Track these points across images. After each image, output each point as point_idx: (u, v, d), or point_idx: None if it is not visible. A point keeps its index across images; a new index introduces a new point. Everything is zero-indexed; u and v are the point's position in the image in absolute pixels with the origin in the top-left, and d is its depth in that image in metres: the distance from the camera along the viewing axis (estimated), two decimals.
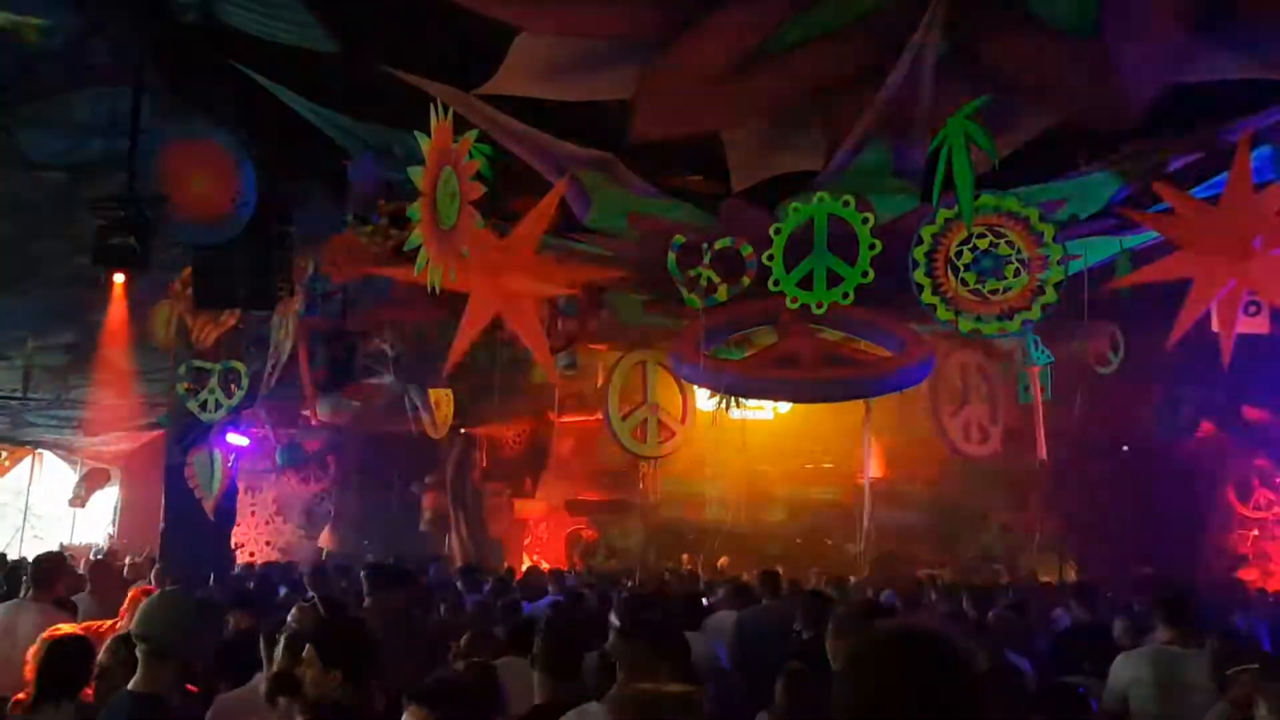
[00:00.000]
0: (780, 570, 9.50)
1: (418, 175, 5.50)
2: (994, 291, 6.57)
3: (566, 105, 6.25)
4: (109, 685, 3.74)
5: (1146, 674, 4.58)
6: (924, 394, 10.33)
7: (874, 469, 14.36)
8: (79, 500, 19.49)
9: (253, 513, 18.44)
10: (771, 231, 6.77)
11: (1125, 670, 4.67)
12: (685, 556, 16.60)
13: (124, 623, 5.10)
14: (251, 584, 9.41)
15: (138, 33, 6.11)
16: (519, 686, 4.03)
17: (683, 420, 10.03)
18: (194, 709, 3.75)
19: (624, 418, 9.51)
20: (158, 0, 5.94)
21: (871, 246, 6.56)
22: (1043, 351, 9.13)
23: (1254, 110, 6.05)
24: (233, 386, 9.89)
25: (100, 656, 4.04)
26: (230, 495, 11.39)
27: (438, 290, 5.62)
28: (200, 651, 3.59)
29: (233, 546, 13.46)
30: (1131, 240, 8.05)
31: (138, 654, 3.36)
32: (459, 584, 9.09)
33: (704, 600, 7.91)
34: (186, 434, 10.94)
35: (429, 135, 5.46)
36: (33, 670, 3.81)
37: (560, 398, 12.78)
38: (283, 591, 8.45)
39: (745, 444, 14.87)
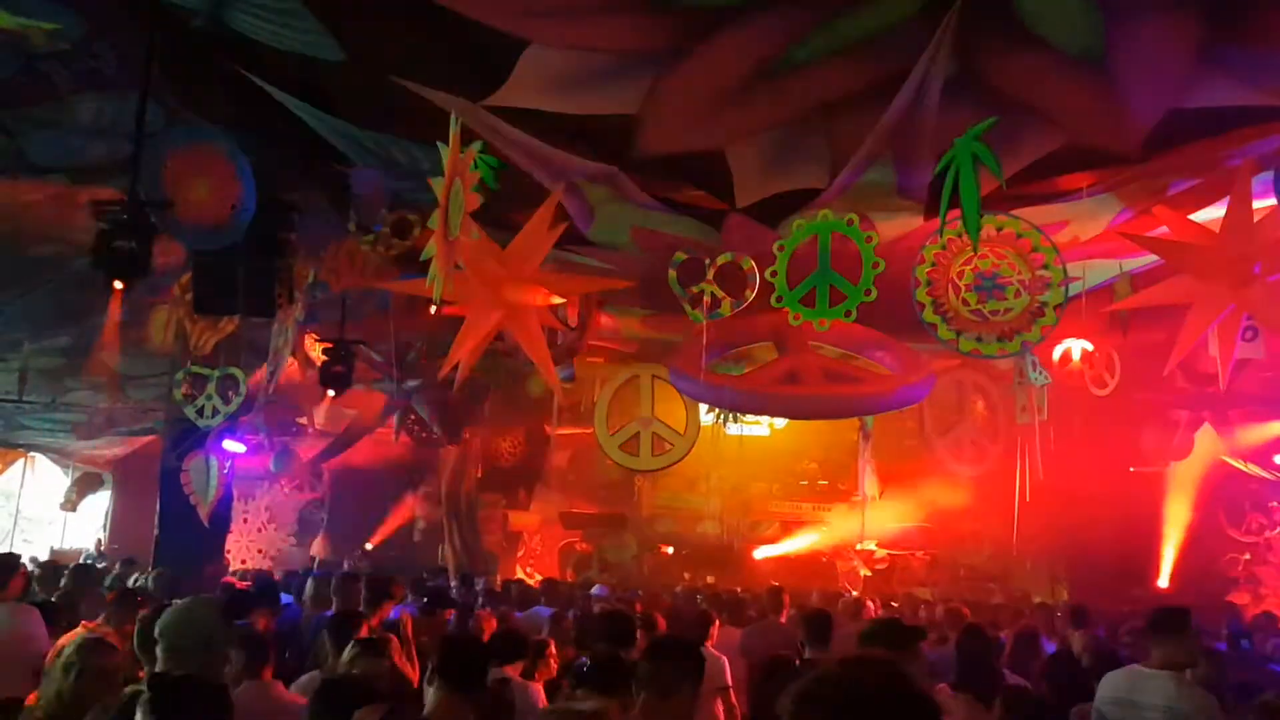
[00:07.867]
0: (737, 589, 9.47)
1: (439, 186, 5.46)
2: (994, 312, 6.56)
3: (573, 117, 6.24)
4: None
5: (1115, 692, 4.81)
6: (919, 411, 10.34)
7: (870, 486, 14.36)
8: (70, 504, 19.41)
9: (245, 519, 18.36)
10: (775, 248, 6.75)
11: (1103, 688, 4.91)
12: (686, 575, 16.59)
13: None
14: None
15: (144, 38, 6.10)
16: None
17: (685, 433, 9.97)
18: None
19: (613, 433, 9.44)
20: (165, 6, 5.92)
21: (875, 265, 6.56)
22: (1041, 373, 9.14)
23: (1256, 136, 6.07)
24: (230, 393, 9.88)
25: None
26: (225, 502, 11.34)
27: (439, 304, 5.58)
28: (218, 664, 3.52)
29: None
30: (1131, 263, 8.08)
31: (157, 653, 3.38)
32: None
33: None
34: (183, 439, 10.89)
35: (445, 145, 5.42)
36: None
37: (557, 409, 12.75)
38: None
39: (738, 457, 14.86)
